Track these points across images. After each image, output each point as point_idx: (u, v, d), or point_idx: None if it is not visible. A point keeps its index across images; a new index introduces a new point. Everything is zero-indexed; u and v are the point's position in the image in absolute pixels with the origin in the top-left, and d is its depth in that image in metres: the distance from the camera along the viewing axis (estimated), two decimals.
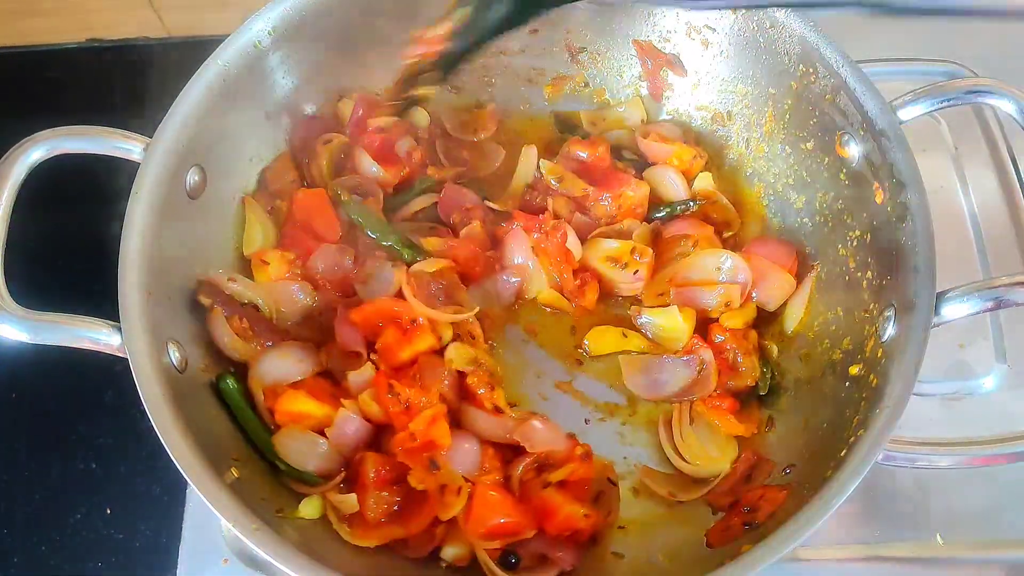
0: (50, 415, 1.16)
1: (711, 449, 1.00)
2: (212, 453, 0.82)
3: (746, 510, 0.91)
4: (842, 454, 0.82)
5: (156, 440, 0.79)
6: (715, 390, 1.02)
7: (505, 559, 0.92)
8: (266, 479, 0.92)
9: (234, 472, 0.85)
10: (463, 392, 0.99)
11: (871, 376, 0.88)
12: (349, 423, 0.94)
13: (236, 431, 0.95)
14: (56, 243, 1.23)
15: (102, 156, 0.91)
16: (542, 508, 0.92)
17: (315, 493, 0.93)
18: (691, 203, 1.12)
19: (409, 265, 1.04)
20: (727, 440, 1.01)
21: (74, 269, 1.21)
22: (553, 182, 1.12)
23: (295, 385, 0.96)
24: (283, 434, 0.94)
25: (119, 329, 0.83)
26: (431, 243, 1.07)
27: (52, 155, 0.89)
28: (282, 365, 0.97)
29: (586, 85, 1.22)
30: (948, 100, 0.94)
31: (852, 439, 0.83)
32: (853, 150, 0.98)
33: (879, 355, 0.89)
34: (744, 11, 1.04)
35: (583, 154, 1.14)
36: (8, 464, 1.14)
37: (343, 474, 0.94)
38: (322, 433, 0.95)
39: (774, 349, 1.06)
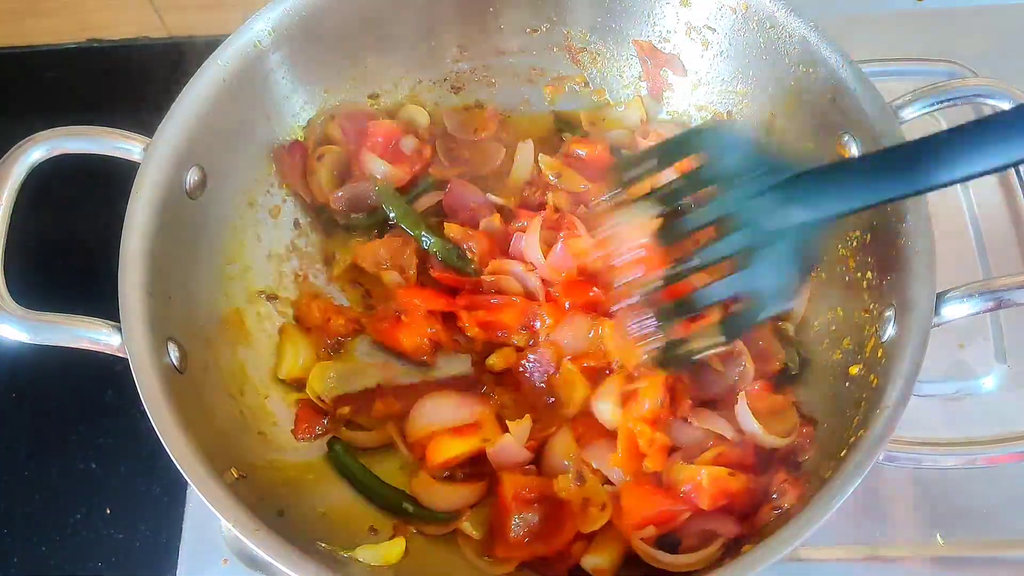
0: (50, 415, 1.17)
1: (773, 423, 0.99)
2: (212, 453, 0.82)
3: (774, 496, 0.91)
4: (842, 454, 0.82)
5: (156, 440, 0.79)
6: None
7: (664, 543, 0.92)
8: (266, 481, 0.92)
9: (234, 472, 0.85)
10: None
11: (871, 376, 0.88)
12: (507, 451, 0.96)
13: (242, 438, 0.95)
14: (56, 243, 1.23)
15: (102, 156, 0.91)
16: (689, 488, 0.91)
17: (448, 529, 0.95)
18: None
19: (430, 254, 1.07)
20: (780, 413, 1.00)
21: (74, 269, 1.21)
22: (552, 177, 1.12)
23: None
24: (424, 486, 0.97)
25: (119, 329, 0.83)
26: (452, 229, 1.08)
27: (52, 155, 0.89)
28: (441, 412, 0.99)
29: (586, 85, 1.22)
30: (948, 100, 0.94)
31: (852, 439, 0.83)
32: (853, 150, 0.98)
33: (879, 355, 0.89)
34: (744, 12, 1.04)
35: (582, 152, 1.14)
36: (8, 464, 1.14)
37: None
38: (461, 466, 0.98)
39: (790, 328, 1.06)
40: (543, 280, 1.04)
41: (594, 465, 0.95)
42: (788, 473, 0.92)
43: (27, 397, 1.17)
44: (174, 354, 0.88)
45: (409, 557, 0.92)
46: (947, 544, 1.02)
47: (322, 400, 1.03)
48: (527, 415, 0.98)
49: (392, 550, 0.90)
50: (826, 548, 1.02)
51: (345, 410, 1.02)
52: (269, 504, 0.87)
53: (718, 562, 0.84)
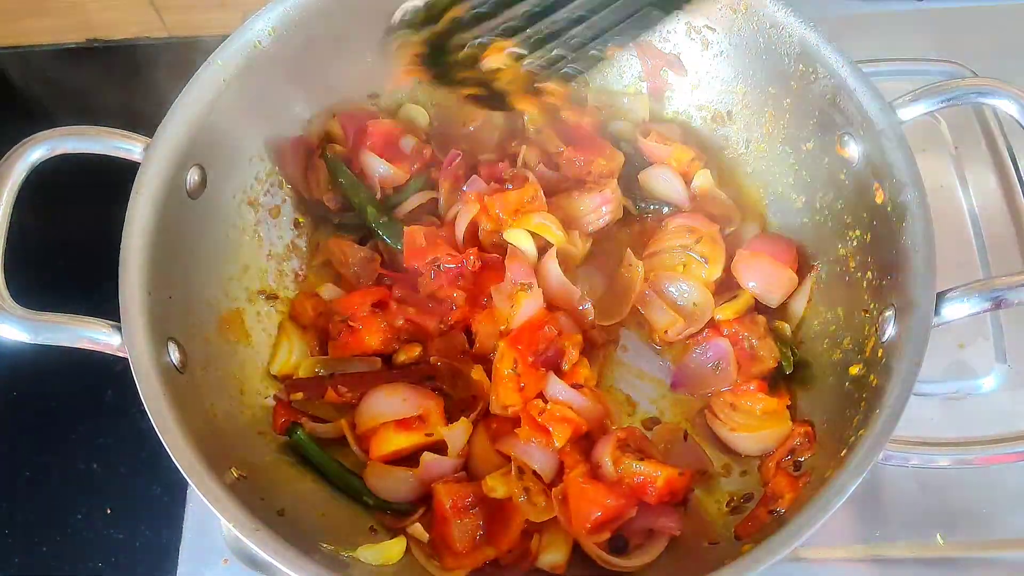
0: (50, 415, 1.17)
1: (764, 422, 1.00)
2: (212, 453, 0.82)
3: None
4: (842, 454, 0.82)
5: (156, 440, 0.79)
6: (738, 379, 1.02)
7: (614, 545, 0.92)
8: (266, 480, 0.92)
9: (234, 472, 0.85)
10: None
11: (871, 376, 0.88)
12: (437, 466, 0.95)
13: (242, 438, 0.95)
14: (56, 243, 1.23)
15: (102, 156, 0.91)
16: (639, 483, 0.92)
17: (407, 524, 0.93)
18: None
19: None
20: (772, 415, 1.01)
21: (74, 269, 1.21)
22: (532, 131, 1.15)
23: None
24: (372, 472, 0.97)
25: (119, 329, 0.83)
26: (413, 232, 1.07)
27: (52, 155, 0.89)
28: (389, 404, 0.98)
29: (586, 85, 1.22)
30: (948, 100, 0.94)
31: (852, 439, 0.83)
32: (853, 150, 0.98)
33: (879, 355, 0.89)
34: (744, 12, 1.04)
35: (570, 118, 1.15)
36: (8, 464, 1.14)
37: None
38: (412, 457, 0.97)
39: (786, 328, 1.06)
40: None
41: (513, 455, 0.95)
42: (787, 474, 0.93)
43: (27, 397, 1.17)
44: (174, 354, 0.88)
45: (410, 556, 0.92)
46: (947, 544, 1.02)
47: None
48: (463, 419, 0.97)
49: (393, 549, 0.90)
50: (826, 548, 1.02)
51: (298, 395, 1.01)
52: (269, 504, 0.87)
53: (716, 564, 0.84)
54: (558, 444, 0.94)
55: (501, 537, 0.92)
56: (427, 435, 0.97)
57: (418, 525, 0.93)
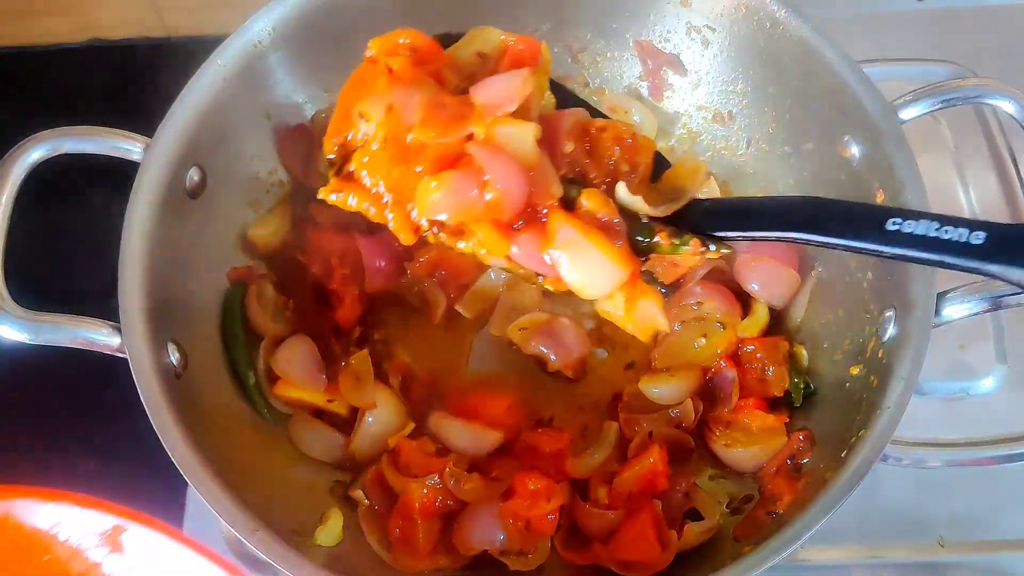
0: (50, 415, 1.16)
1: (759, 438, 0.97)
2: (212, 453, 0.82)
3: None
4: (843, 455, 0.82)
5: (156, 440, 0.79)
6: (740, 400, 1.00)
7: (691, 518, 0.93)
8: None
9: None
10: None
11: (871, 377, 0.88)
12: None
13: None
14: (56, 243, 1.23)
15: (102, 156, 0.91)
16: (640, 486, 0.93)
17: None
18: None
19: None
20: (769, 431, 0.98)
21: (74, 269, 1.21)
22: None
23: None
24: (296, 424, 0.99)
25: (119, 329, 0.83)
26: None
27: (52, 155, 0.89)
28: (298, 366, 1.00)
29: (586, 85, 1.22)
30: (948, 100, 0.94)
31: (853, 440, 0.83)
32: (853, 150, 0.98)
33: (880, 355, 0.89)
34: (744, 12, 1.04)
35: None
36: (8, 464, 1.13)
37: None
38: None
39: (804, 355, 1.02)
40: None
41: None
42: (787, 475, 0.93)
43: (27, 396, 1.17)
44: (174, 354, 0.88)
45: (360, 538, 0.92)
46: (948, 545, 1.02)
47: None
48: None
49: (335, 527, 0.91)
50: (826, 549, 1.02)
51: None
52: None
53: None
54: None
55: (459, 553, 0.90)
56: (329, 401, 0.99)
57: (360, 491, 0.94)
